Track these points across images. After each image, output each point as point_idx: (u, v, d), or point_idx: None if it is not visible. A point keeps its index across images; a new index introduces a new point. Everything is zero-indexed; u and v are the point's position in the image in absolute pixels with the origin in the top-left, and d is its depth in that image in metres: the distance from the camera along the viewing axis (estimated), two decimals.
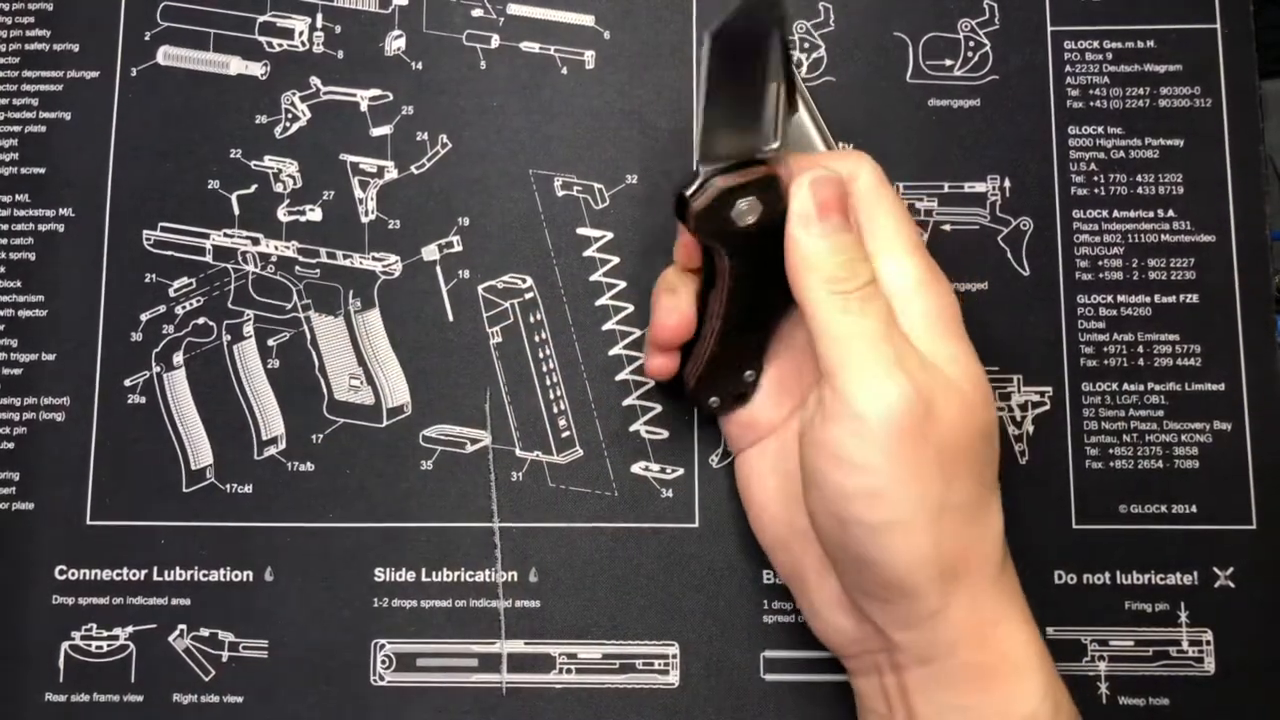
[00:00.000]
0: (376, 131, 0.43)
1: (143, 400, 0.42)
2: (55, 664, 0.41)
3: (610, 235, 0.43)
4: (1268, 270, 0.42)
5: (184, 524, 0.41)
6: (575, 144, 0.43)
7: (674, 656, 0.40)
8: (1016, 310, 0.42)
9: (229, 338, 0.42)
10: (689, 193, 0.34)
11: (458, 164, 0.43)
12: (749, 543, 0.40)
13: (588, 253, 0.43)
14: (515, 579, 0.41)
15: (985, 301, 0.42)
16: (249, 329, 0.43)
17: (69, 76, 0.44)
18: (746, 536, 0.40)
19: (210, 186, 0.43)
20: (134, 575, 0.41)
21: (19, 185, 0.43)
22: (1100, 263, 0.42)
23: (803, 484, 0.35)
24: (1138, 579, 0.41)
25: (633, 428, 0.42)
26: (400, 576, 0.41)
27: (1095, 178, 0.43)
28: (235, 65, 0.44)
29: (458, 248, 0.43)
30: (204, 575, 0.41)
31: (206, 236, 0.43)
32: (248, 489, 0.42)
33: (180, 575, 0.41)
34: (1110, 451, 0.41)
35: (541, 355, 0.42)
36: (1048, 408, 0.42)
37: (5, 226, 0.43)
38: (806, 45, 0.43)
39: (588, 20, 0.44)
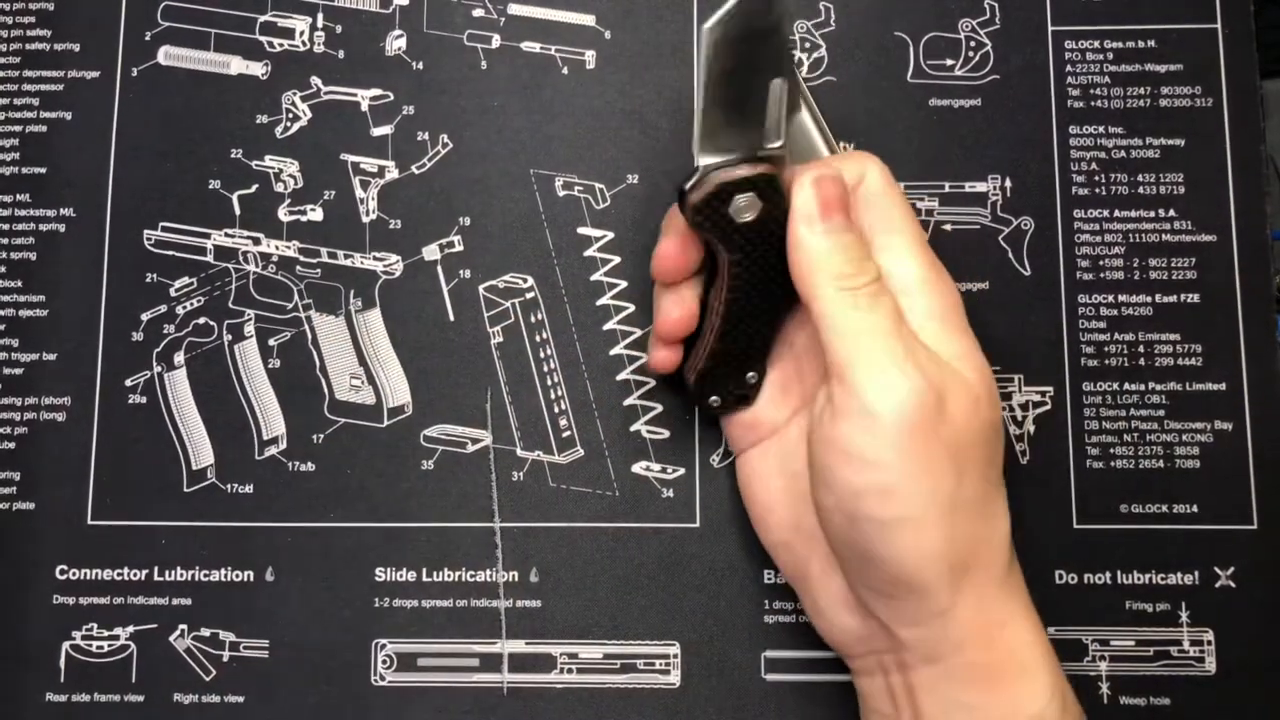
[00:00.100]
0: (377, 131, 0.43)
1: (143, 400, 0.42)
2: (56, 664, 0.41)
3: (611, 235, 0.43)
4: (1268, 270, 0.42)
5: (185, 524, 0.41)
6: (576, 144, 0.43)
7: (675, 656, 0.40)
8: (1017, 310, 0.42)
9: (230, 337, 0.42)
10: (687, 186, 0.34)
11: (459, 164, 0.43)
12: (750, 542, 0.40)
13: (589, 252, 0.43)
14: (516, 579, 0.41)
15: (986, 301, 0.42)
16: (250, 329, 0.43)
17: (70, 76, 0.44)
18: (747, 536, 0.40)
19: (211, 186, 0.43)
20: (135, 575, 0.41)
21: (19, 185, 0.43)
22: (1101, 262, 0.42)
23: (811, 482, 0.35)
24: (1139, 579, 0.41)
25: (634, 427, 0.42)
26: (401, 576, 0.41)
27: (1096, 177, 0.43)
28: (236, 65, 0.44)
29: (459, 247, 0.43)
30: (205, 575, 0.41)
31: (207, 236, 0.43)
32: (248, 489, 0.42)
33: (181, 575, 0.41)
34: (1111, 451, 0.41)
35: (542, 355, 0.42)
36: (1048, 407, 0.42)
37: (6, 226, 0.43)
38: (807, 45, 0.43)
39: (588, 20, 0.44)
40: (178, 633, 0.41)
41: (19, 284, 0.43)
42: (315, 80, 0.44)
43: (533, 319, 0.42)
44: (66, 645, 0.41)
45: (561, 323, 0.42)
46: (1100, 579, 0.41)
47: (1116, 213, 0.42)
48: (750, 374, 0.38)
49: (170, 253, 0.43)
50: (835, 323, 0.33)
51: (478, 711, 0.40)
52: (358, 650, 0.41)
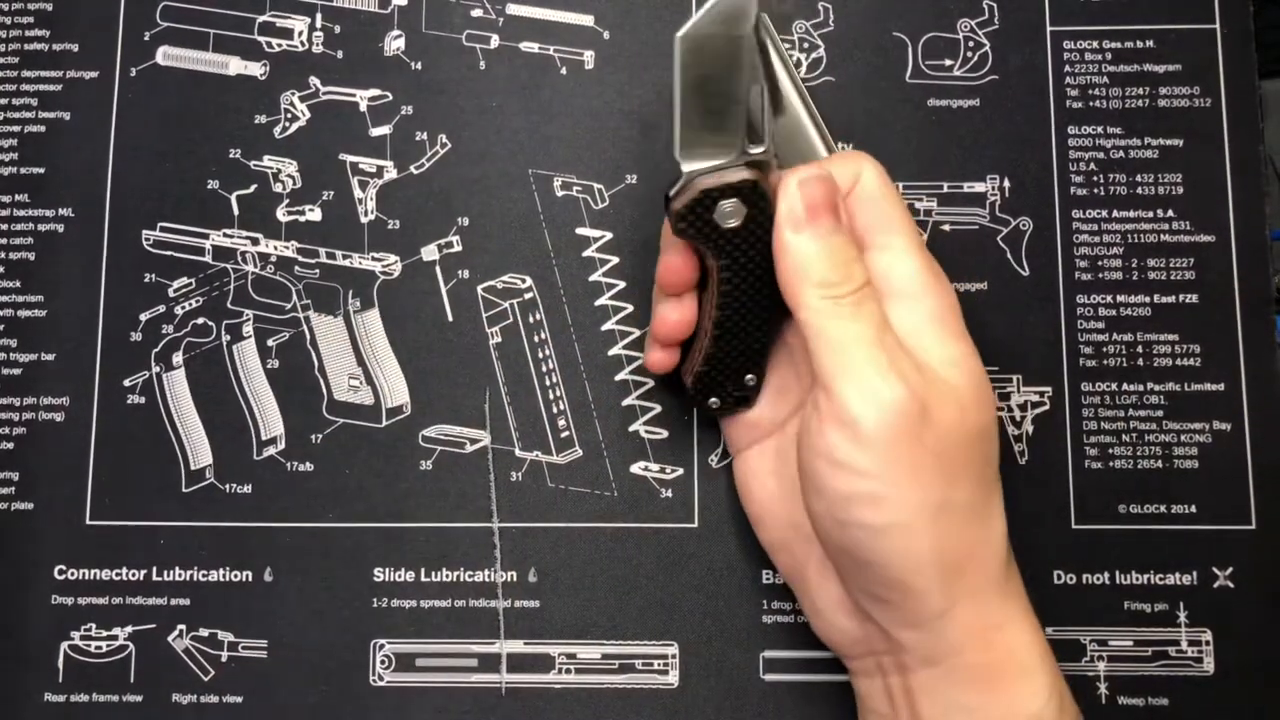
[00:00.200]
0: (376, 131, 0.43)
1: (142, 400, 0.42)
2: (55, 664, 0.41)
3: (610, 235, 0.43)
4: (1268, 270, 0.42)
5: (184, 524, 0.41)
6: (575, 144, 0.43)
7: (673, 656, 0.40)
8: (1016, 310, 0.42)
9: (228, 338, 0.42)
10: (672, 193, 0.34)
11: (457, 164, 0.43)
12: (749, 543, 0.40)
13: (587, 253, 0.43)
14: (515, 579, 0.41)
15: (985, 301, 0.42)
16: (248, 329, 0.43)
17: (69, 76, 0.44)
18: (746, 536, 0.40)
19: (210, 186, 0.43)
20: (133, 575, 0.41)
21: (19, 185, 0.43)
22: (1100, 263, 0.42)
23: (801, 487, 0.34)
24: (1137, 579, 0.41)
25: (632, 428, 0.42)
26: (400, 576, 0.41)
27: (1095, 178, 0.43)
28: (235, 65, 0.44)
29: (457, 248, 0.43)
30: (204, 575, 0.41)
31: (206, 237, 0.43)
32: (247, 489, 0.42)
33: (180, 575, 0.41)
34: (1110, 451, 0.41)
35: (541, 355, 0.42)
36: (1047, 408, 0.42)
37: (5, 226, 0.43)
38: (806, 45, 0.43)
39: (587, 20, 0.44)
40: (176, 633, 0.41)
41: (18, 284, 0.43)
42: (314, 80, 0.44)
43: (531, 319, 0.42)
44: (65, 645, 0.41)
45: (560, 323, 0.42)
46: (1099, 579, 0.41)
47: (1115, 213, 0.42)
48: (749, 376, 0.38)
49: (169, 253, 0.43)
50: (818, 332, 0.33)
51: (476, 711, 0.40)
52: (356, 650, 0.41)
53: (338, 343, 0.42)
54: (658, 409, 0.42)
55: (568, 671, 0.40)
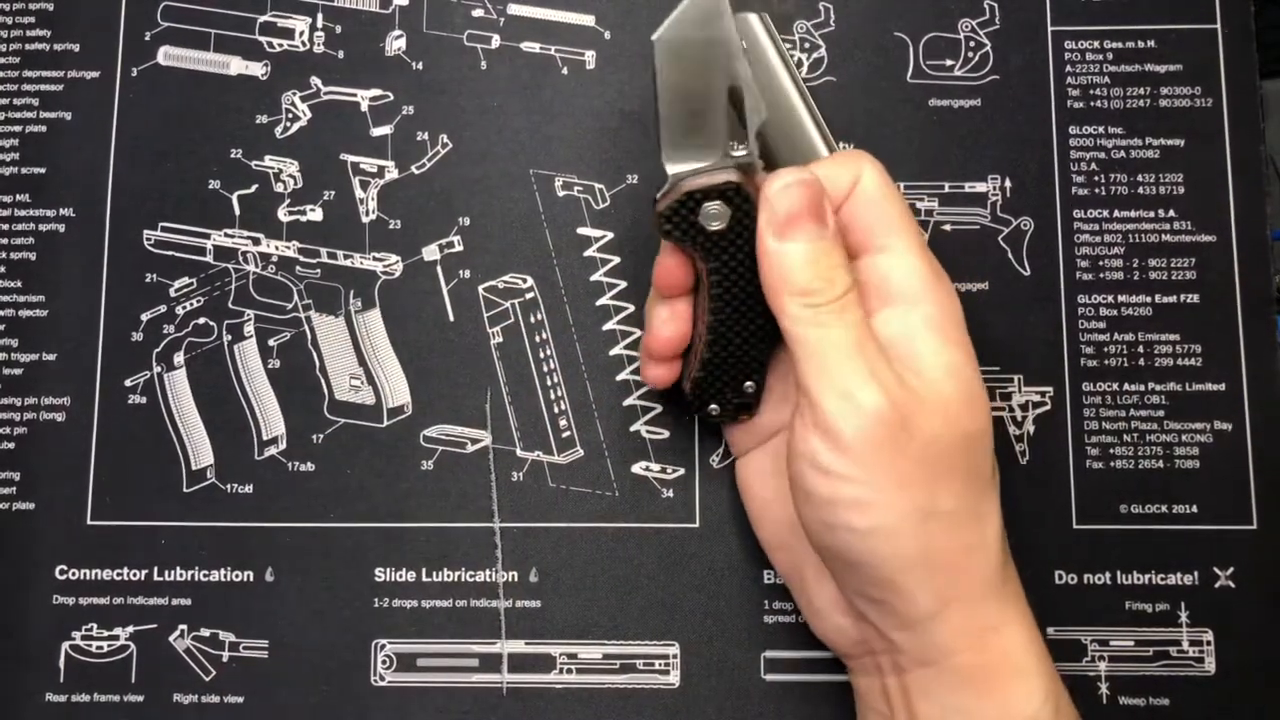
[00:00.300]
0: (377, 131, 0.43)
1: (143, 400, 0.42)
2: (55, 664, 0.41)
3: (611, 235, 0.43)
4: (1268, 270, 0.42)
5: (184, 524, 0.41)
6: (576, 144, 0.43)
7: (674, 656, 0.40)
8: (1017, 310, 0.42)
9: (229, 338, 0.42)
10: (658, 195, 0.35)
11: (458, 164, 0.43)
12: (749, 543, 0.40)
13: (588, 253, 0.43)
14: (516, 579, 0.41)
15: (986, 301, 0.42)
16: (250, 329, 0.43)
17: (69, 76, 0.44)
18: (747, 536, 0.40)
19: (211, 186, 0.43)
20: (134, 575, 0.41)
21: (19, 185, 0.43)
22: (1101, 263, 0.42)
23: (791, 491, 0.34)
24: (1138, 579, 0.41)
25: (633, 428, 0.42)
26: (401, 576, 0.41)
27: (1096, 178, 0.43)
28: (236, 65, 0.44)
29: (458, 248, 0.43)
30: (204, 575, 0.41)
31: (207, 236, 0.43)
32: (248, 489, 0.42)
33: (181, 575, 0.41)
34: (1111, 451, 0.41)
35: (542, 355, 0.42)
36: (1048, 408, 0.42)
37: (5, 226, 0.43)
38: (807, 45, 0.43)
39: (588, 20, 0.44)
40: (177, 633, 0.41)
41: (19, 284, 0.43)
42: (315, 80, 0.44)
43: (532, 319, 0.42)
44: (66, 645, 0.41)
45: (561, 323, 0.42)
46: (1100, 579, 0.41)
47: (1116, 213, 0.42)
48: (748, 383, 0.38)
49: (170, 253, 0.43)
50: (799, 340, 0.33)
51: (477, 711, 0.40)
52: (357, 650, 0.41)
53: (339, 343, 0.42)
54: (659, 409, 0.42)
55: (569, 671, 0.40)
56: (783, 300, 0.33)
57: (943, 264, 0.35)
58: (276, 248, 0.43)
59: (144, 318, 0.42)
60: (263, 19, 0.44)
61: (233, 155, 0.43)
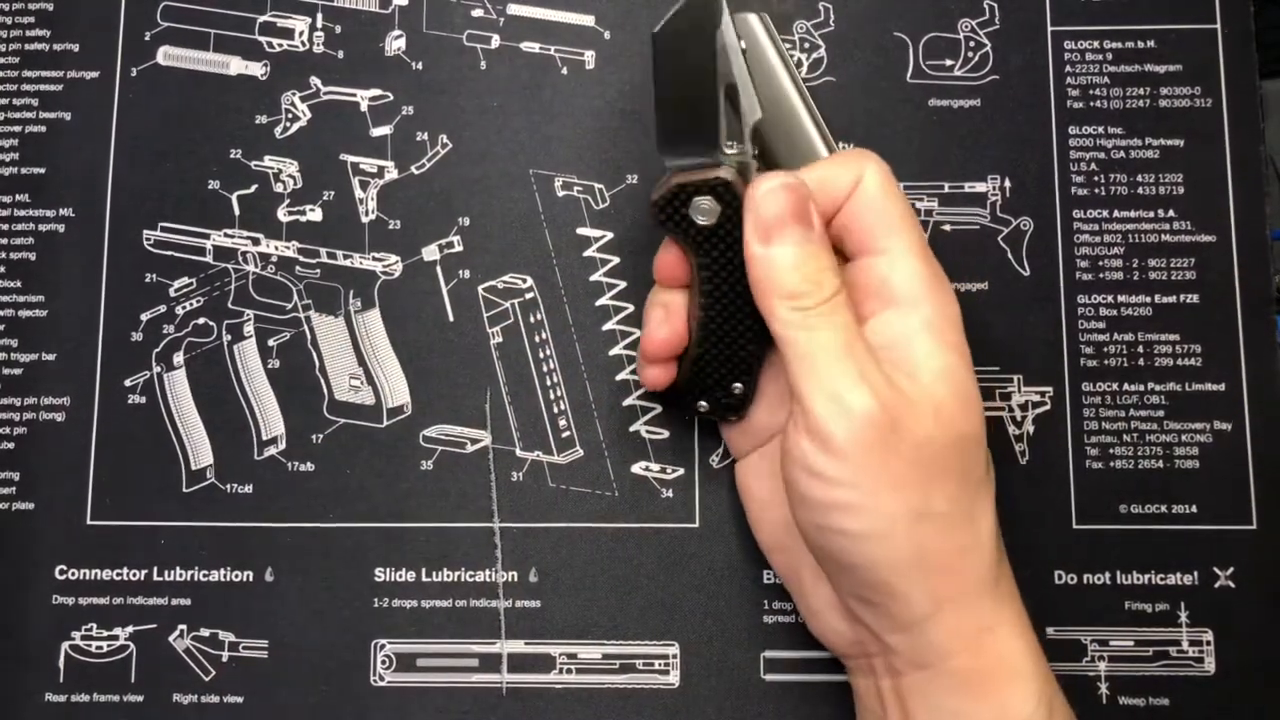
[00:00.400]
0: (377, 131, 0.43)
1: (143, 400, 0.42)
2: (55, 664, 0.41)
3: (610, 235, 0.43)
4: (1268, 270, 0.42)
5: (184, 524, 0.41)
6: (576, 144, 0.43)
7: (674, 656, 0.40)
8: (1016, 310, 0.42)
9: (229, 338, 0.42)
10: (656, 186, 0.35)
11: (458, 164, 0.43)
12: (749, 543, 0.40)
13: (588, 253, 0.43)
14: (515, 579, 0.41)
15: (985, 301, 0.42)
16: (249, 329, 0.43)
17: (69, 76, 0.44)
18: (746, 536, 0.40)
19: (210, 186, 0.43)
20: (134, 575, 0.41)
21: (19, 185, 0.43)
22: (1100, 263, 0.42)
23: (785, 494, 0.35)
24: (1138, 579, 0.41)
25: (633, 428, 0.42)
26: (400, 576, 0.41)
27: (1095, 178, 0.43)
28: (235, 65, 0.44)
29: (458, 248, 0.43)
30: (204, 575, 0.41)
31: (207, 236, 0.43)
32: (248, 489, 0.42)
33: (180, 575, 0.41)
34: (1110, 451, 0.41)
35: (542, 355, 0.42)
36: (1048, 408, 0.42)
37: (5, 226, 0.43)
38: (807, 45, 0.43)
39: (588, 20, 0.44)
40: (177, 633, 0.41)
41: (18, 284, 0.43)
42: (315, 80, 0.44)
43: (532, 319, 0.42)
44: (66, 645, 0.41)
45: (561, 323, 0.42)
46: (1099, 579, 0.41)
47: (1116, 213, 0.42)
48: (736, 385, 0.38)
49: (169, 253, 0.43)
50: (789, 342, 0.33)
51: (477, 712, 0.40)
52: (357, 650, 0.41)
53: (338, 343, 0.42)
54: (658, 409, 0.42)
55: (568, 671, 0.40)
56: (771, 303, 0.33)
57: (942, 264, 0.35)
58: (276, 248, 0.43)
59: (144, 318, 0.42)
60: (262, 19, 0.44)
61: (232, 155, 0.43)
